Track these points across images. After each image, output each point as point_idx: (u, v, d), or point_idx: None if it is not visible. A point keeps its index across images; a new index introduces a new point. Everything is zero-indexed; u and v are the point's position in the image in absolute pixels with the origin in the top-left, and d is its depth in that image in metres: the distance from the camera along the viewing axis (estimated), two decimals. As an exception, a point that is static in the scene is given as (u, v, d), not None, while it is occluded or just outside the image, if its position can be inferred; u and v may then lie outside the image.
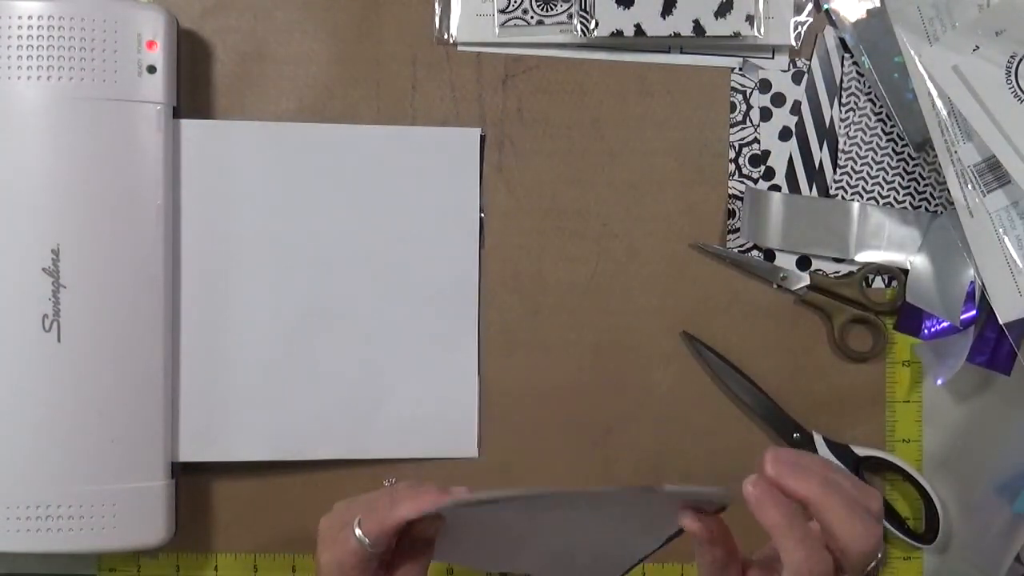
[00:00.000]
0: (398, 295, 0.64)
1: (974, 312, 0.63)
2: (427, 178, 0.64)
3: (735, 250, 0.65)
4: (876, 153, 0.66)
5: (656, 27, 0.63)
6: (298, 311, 0.63)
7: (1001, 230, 0.60)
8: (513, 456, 0.65)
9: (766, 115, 0.66)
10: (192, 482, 0.64)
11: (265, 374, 0.63)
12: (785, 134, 0.66)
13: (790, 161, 0.66)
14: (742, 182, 0.66)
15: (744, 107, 0.66)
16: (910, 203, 0.66)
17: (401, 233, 0.64)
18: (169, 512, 0.61)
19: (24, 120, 0.58)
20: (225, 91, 0.64)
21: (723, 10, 0.63)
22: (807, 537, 0.42)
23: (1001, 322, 0.61)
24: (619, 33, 0.63)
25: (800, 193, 0.66)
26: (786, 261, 0.65)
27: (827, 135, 0.66)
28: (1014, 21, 0.59)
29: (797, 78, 0.65)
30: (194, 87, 0.64)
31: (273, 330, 0.63)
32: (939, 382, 0.64)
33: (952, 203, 0.62)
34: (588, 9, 0.63)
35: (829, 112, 0.66)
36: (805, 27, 0.65)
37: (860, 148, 0.66)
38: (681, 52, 0.65)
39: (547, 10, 0.64)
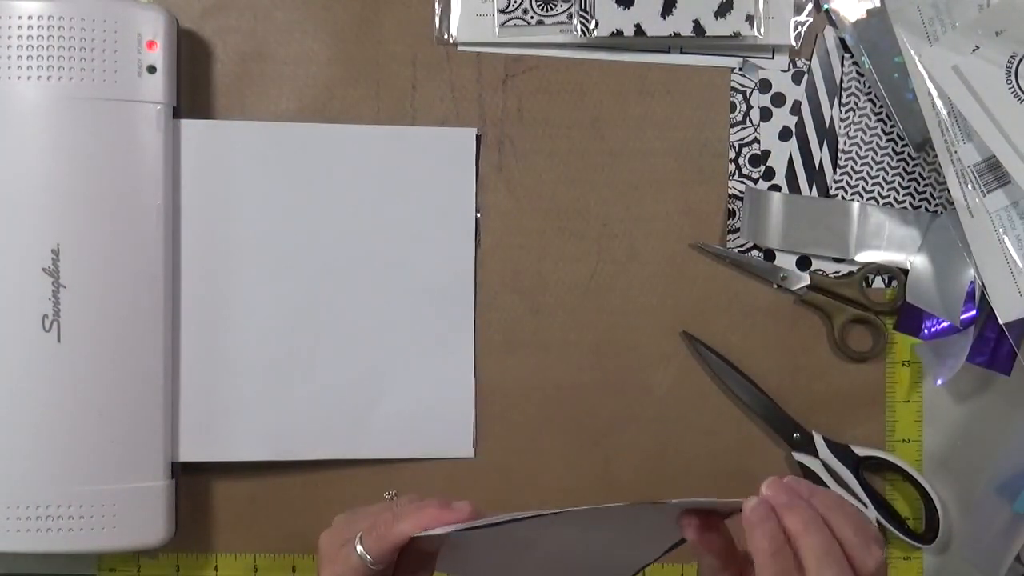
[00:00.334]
0: (395, 295, 0.64)
1: (974, 312, 0.63)
2: (424, 178, 0.64)
3: (735, 250, 0.65)
4: (876, 153, 0.66)
5: (656, 27, 0.63)
6: (297, 311, 0.63)
7: (1001, 230, 0.60)
8: (513, 456, 0.65)
9: (766, 115, 0.66)
10: (192, 482, 0.64)
11: (265, 374, 0.63)
12: (785, 134, 0.66)
13: (790, 161, 0.66)
14: (742, 182, 0.66)
15: (744, 107, 0.66)
16: (910, 203, 0.66)
17: (398, 233, 0.64)
18: (169, 512, 0.61)
19: (24, 120, 0.58)
20: (225, 91, 0.64)
21: (723, 10, 0.63)
22: (790, 570, 0.41)
23: (1001, 322, 0.61)
24: (619, 33, 0.63)
25: (800, 193, 0.66)
26: (786, 261, 0.65)
27: (827, 135, 0.66)
28: (1014, 21, 0.59)
29: (797, 78, 0.65)
30: (194, 87, 0.64)
31: (273, 330, 0.63)
32: (939, 382, 0.64)
33: (952, 203, 0.62)
34: (588, 9, 0.63)
35: (829, 112, 0.66)
36: (805, 27, 0.65)
37: (860, 148, 0.66)
38: (681, 52, 0.65)
39: (547, 10, 0.64)
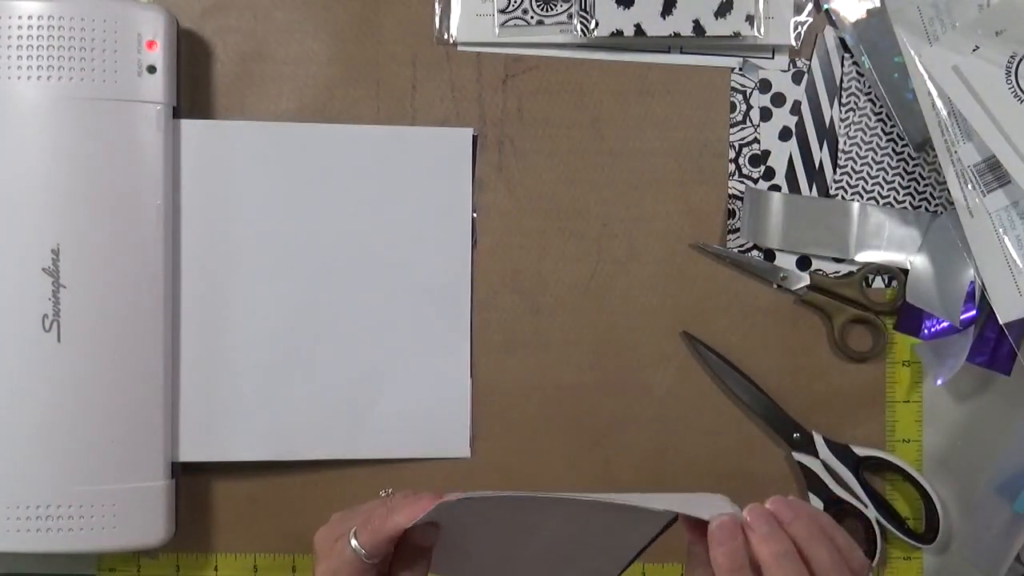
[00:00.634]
0: (393, 295, 0.64)
1: (974, 312, 0.63)
2: (421, 178, 0.64)
3: (735, 250, 0.65)
4: (876, 153, 0.66)
5: (656, 27, 0.63)
6: (297, 311, 0.63)
7: (1001, 230, 0.60)
8: (513, 456, 0.65)
9: (766, 115, 0.66)
10: (192, 482, 0.64)
11: (264, 374, 0.63)
12: (785, 134, 0.66)
13: (790, 161, 0.66)
14: (742, 182, 0.66)
15: (744, 107, 0.66)
16: (910, 203, 0.66)
17: (395, 233, 0.64)
18: (169, 512, 0.61)
19: (24, 120, 0.58)
20: (225, 91, 0.64)
21: (723, 10, 0.63)
22: None
23: (1001, 322, 0.61)
24: (619, 33, 0.63)
25: (800, 193, 0.66)
26: (786, 261, 0.65)
27: (827, 135, 0.66)
28: (1014, 21, 0.59)
29: (797, 78, 0.65)
30: (194, 87, 0.64)
31: (272, 330, 0.63)
32: (939, 382, 0.64)
33: (952, 203, 0.62)
34: (588, 9, 0.63)
35: (829, 112, 0.66)
36: (805, 27, 0.65)
37: (860, 148, 0.66)
38: (681, 52, 0.65)
39: (547, 10, 0.64)
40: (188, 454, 0.62)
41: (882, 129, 0.66)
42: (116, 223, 0.59)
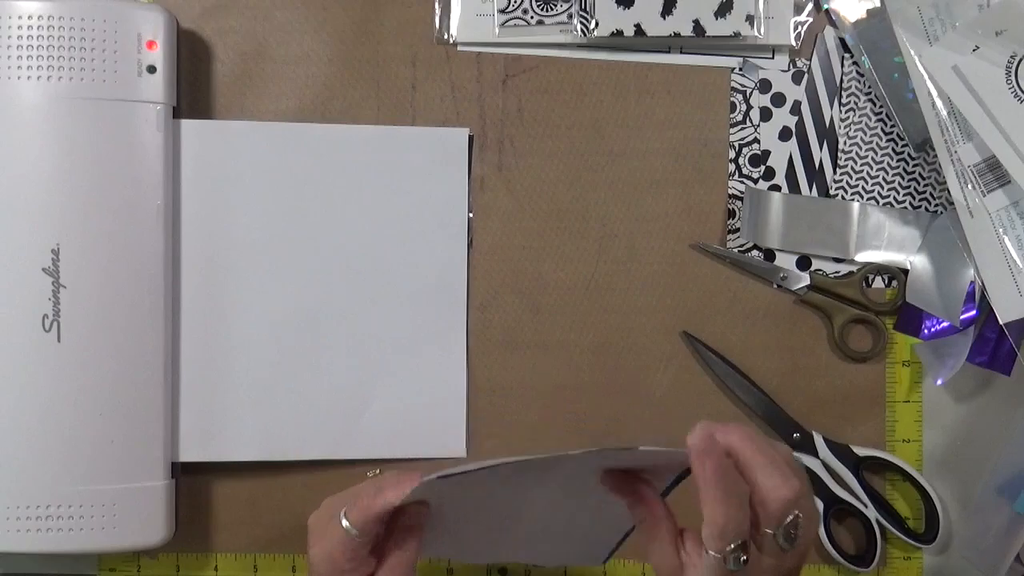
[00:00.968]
0: (391, 295, 0.64)
1: (974, 312, 0.63)
2: (417, 178, 0.64)
3: (735, 250, 0.65)
4: (876, 153, 0.66)
5: (656, 27, 0.63)
6: (297, 310, 0.63)
7: (1001, 230, 0.60)
8: (513, 456, 0.65)
9: (766, 115, 0.66)
10: (192, 482, 0.64)
11: (264, 374, 0.63)
12: (785, 134, 0.66)
13: (790, 161, 0.66)
14: (742, 182, 0.66)
15: (744, 107, 0.66)
16: (910, 203, 0.66)
17: (393, 232, 0.64)
18: (169, 512, 0.61)
19: (24, 120, 0.58)
20: (225, 91, 0.64)
21: (723, 10, 0.63)
22: (730, 496, 0.44)
23: (1001, 322, 0.61)
24: (619, 33, 0.63)
25: (800, 193, 0.66)
26: (786, 261, 0.65)
27: (827, 135, 0.66)
28: (1014, 21, 0.59)
29: (797, 78, 0.65)
30: (194, 87, 0.64)
31: (272, 330, 0.63)
32: (939, 382, 0.64)
33: (952, 203, 0.62)
34: (588, 9, 0.63)
35: (829, 112, 0.66)
36: (805, 27, 0.65)
37: (860, 148, 0.66)
38: (681, 52, 0.65)
39: (547, 10, 0.64)
40: (188, 454, 0.62)
41: (882, 129, 0.66)
42: (116, 223, 0.59)
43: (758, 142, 0.66)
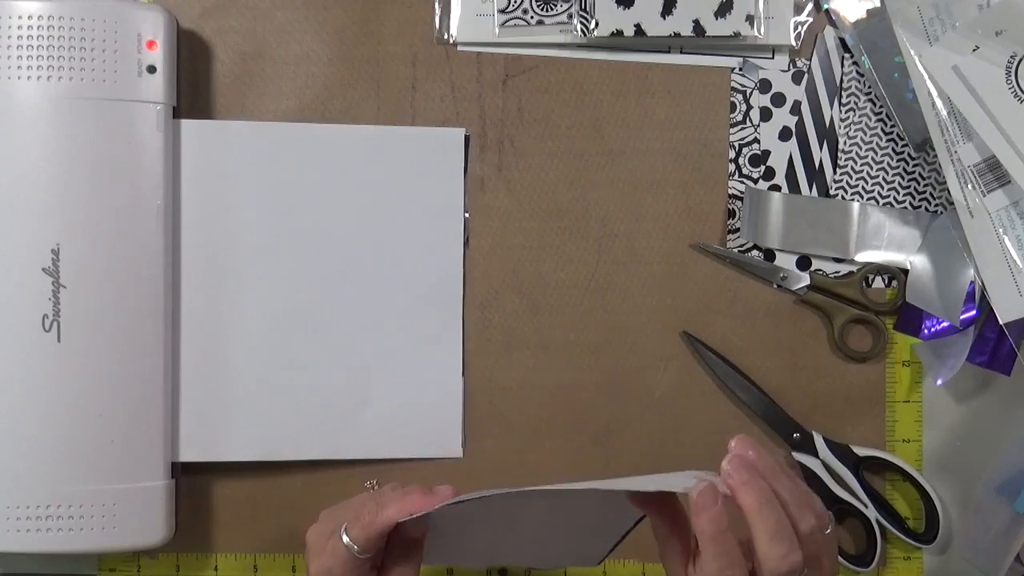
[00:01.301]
0: (389, 294, 0.64)
1: (974, 312, 0.63)
2: (414, 177, 0.64)
3: (735, 250, 0.65)
4: (876, 153, 0.66)
5: (656, 27, 0.63)
6: (297, 311, 0.63)
7: (1001, 230, 0.60)
8: (513, 456, 0.65)
9: (766, 115, 0.66)
10: (192, 482, 0.64)
11: (264, 374, 0.63)
12: (785, 134, 0.66)
13: (790, 161, 0.66)
14: (742, 182, 0.66)
15: (744, 107, 0.66)
16: (910, 203, 0.66)
17: (391, 232, 0.64)
18: (169, 512, 0.61)
19: (24, 120, 0.58)
20: (225, 91, 0.64)
21: (723, 10, 0.63)
22: (731, 551, 0.43)
23: (1001, 322, 0.61)
24: (619, 33, 0.63)
25: (800, 193, 0.66)
26: (786, 261, 0.65)
27: (827, 135, 0.66)
28: (1014, 21, 0.59)
29: (797, 78, 0.65)
30: (194, 87, 0.64)
31: (272, 329, 0.63)
32: (939, 382, 0.64)
33: (952, 203, 0.62)
34: (588, 9, 0.63)
35: (829, 112, 0.66)
36: (805, 27, 0.65)
37: (860, 148, 0.66)
38: (681, 52, 0.65)
39: (547, 10, 0.64)
40: (188, 454, 0.62)
41: (882, 129, 0.66)
42: (116, 223, 0.59)
43: (758, 142, 0.66)
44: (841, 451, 0.64)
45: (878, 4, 0.64)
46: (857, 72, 0.65)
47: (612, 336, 0.65)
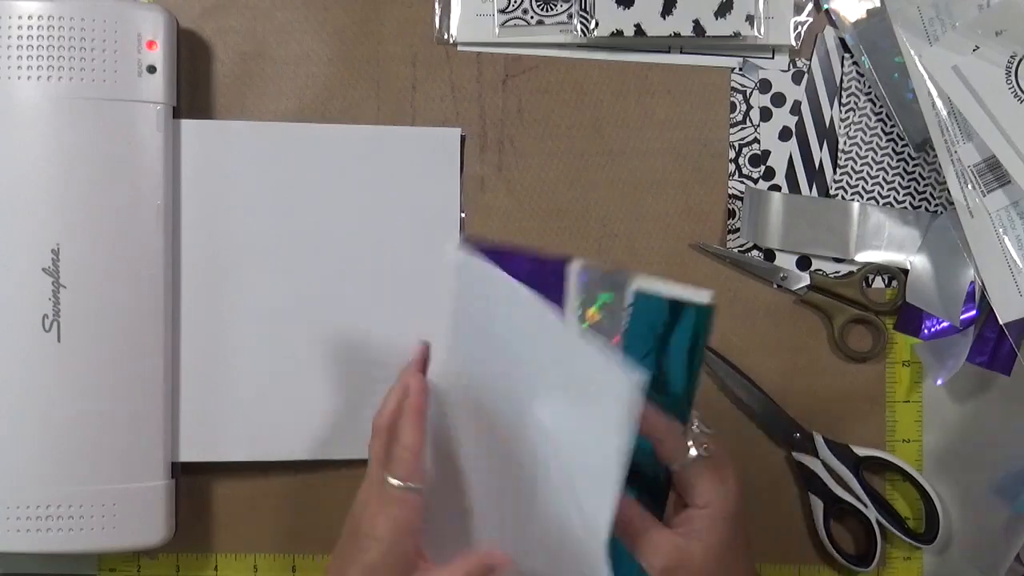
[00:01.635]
0: (386, 295, 0.64)
1: (974, 312, 0.63)
2: (411, 178, 0.64)
3: (735, 250, 0.65)
4: (876, 153, 0.66)
5: (656, 27, 0.63)
6: (297, 310, 0.63)
7: (1001, 230, 0.60)
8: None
9: (766, 115, 0.66)
10: (192, 482, 0.64)
11: (264, 374, 0.63)
12: (785, 134, 0.66)
13: (790, 161, 0.66)
14: (742, 182, 0.66)
15: (744, 107, 0.66)
16: (910, 203, 0.66)
17: (387, 233, 0.64)
18: (169, 512, 0.61)
19: (24, 120, 0.58)
20: (225, 91, 0.64)
21: (723, 10, 0.63)
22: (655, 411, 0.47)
23: (1001, 322, 0.61)
24: (619, 33, 0.63)
25: (800, 193, 0.66)
26: (786, 261, 0.65)
27: (827, 135, 0.66)
28: (1014, 21, 0.59)
29: (797, 78, 0.65)
30: (194, 87, 0.64)
31: (272, 329, 0.63)
32: (939, 382, 0.64)
33: (952, 203, 0.62)
34: (588, 9, 0.63)
35: (829, 112, 0.66)
36: (805, 27, 0.65)
37: (860, 148, 0.66)
38: (681, 52, 0.65)
39: (547, 10, 0.64)
40: (188, 454, 0.62)
41: (882, 129, 0.66)
42: (116, 223, 0.59)
43: (758, 142, 0.66)
44: (841, 451, 0.64)
45: (878, 4, 0.64)
46: (857, 72, 0.65)
47: (612, 336, 0.65)
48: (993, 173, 0.60)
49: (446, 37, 0.65)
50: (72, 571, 0.65)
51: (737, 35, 0.63)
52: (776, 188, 0.66)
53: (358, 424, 0.64)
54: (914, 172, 0.66)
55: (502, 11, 0.64)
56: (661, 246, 0.65)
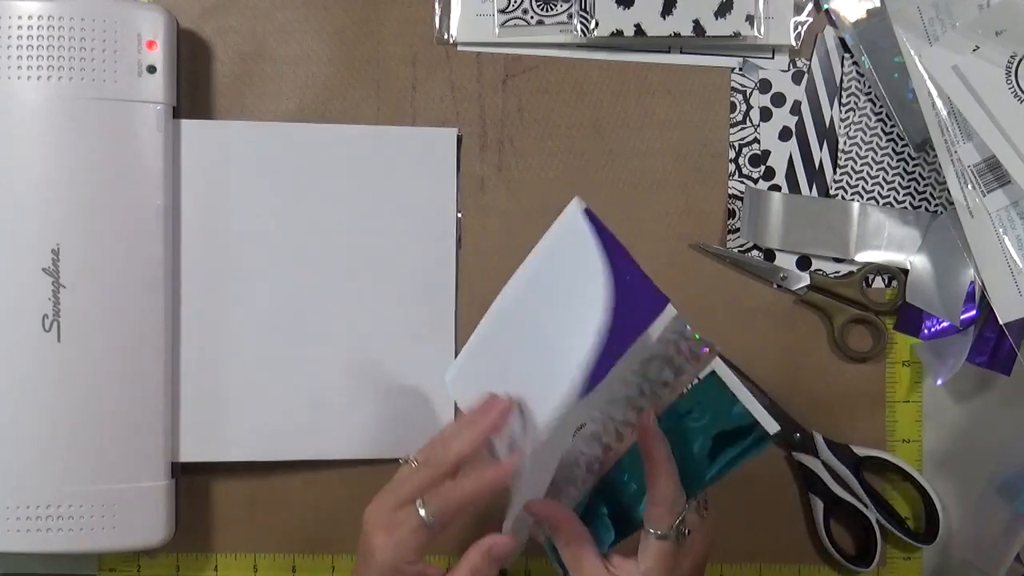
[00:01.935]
0: (384, 295, 0.64)
1: (974, 312, 0.63)
2: (407, 178, 0.64)
3: (735, 250, 0.65)
4: (876, 153, 0.66)
5: (656, 27, 0.63)
6: (297, 310, 0.63)
7: (1001, 230, 0.60)
8: (513, 456, 0.65)
9: (766, 115, 0.66)
10: (192, 482, 0.64)
11: (264, 374, 0.63)
12: (785, 134, 0.66)
13: (790, 161, 0.66)
14: (742, 182, 0.66)
15: (744, 107, 0.66)
16: (910, 203, 0.66)
17: (385, 233, 0.64)
18: (169, 512, 0.61)
19: (24, 120, 0.58)
20: (225, 91, 0.64)
21: (723, 10, 0.63)
22: (675, 475, 0.49)
23: (1001, 322, 0.61)
24: (619, 33, 0.63)
25: (800, 193, 0.66)
26: (786, 261, 0.65)
27: (827, 135, 0.66)
28: (1014, 21, 0.59)
29: (797, 78, 0.65)
30: (194, 87, 0.64)
31: (272, 329, 0.63)
32: (939, 382, 0.64)
33: (952, 203, 0.62)
34: (588, 9, 0.63)
35: (829, 112, 0.66)
36: (805, 27, 0.65)
37: (860, 148, 0.66)
38: (681, 52, 0.65)
39: (547, 10, 0.64)
40: (188, 454, 0.62)
41: (882, 129, 0.66)
42: (116, 223, 0.59)
43: (758, 142, 0.66)
44: (841, 451, 0.64)
45: (878, 4, 0.64)
46: (857, 72, 0.65)
47: (612, 336, 0.65)
48: (993, 173, 0.60)
49: (446, 37, 0.65)
50: (72, 571, 0.65)
51: (737, 35, 0.63)
52: (776, 188, 0.66)
53: (356, 424, 0.64)
54: (914, 172, 0.66)
55: (502, 11, 0.64)
56: (661, 246, 0.65)
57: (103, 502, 0.59)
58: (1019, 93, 0.59)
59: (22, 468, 0.59)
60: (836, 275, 0.65)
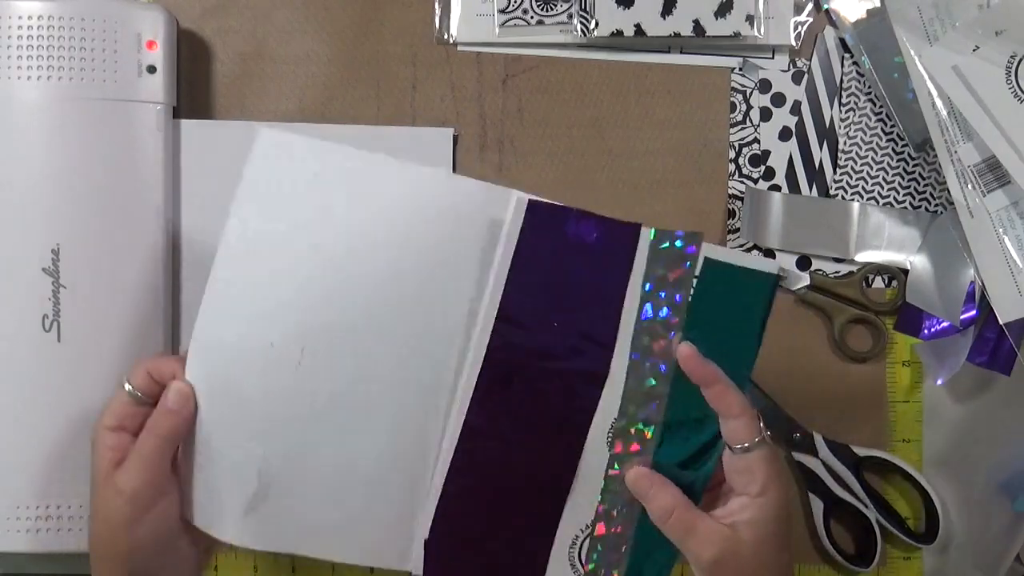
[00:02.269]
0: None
1: (974, 312, 0.63)
2: None
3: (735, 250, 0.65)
4: (876, 153, 0.66)
5: (656, 27, 0.63)
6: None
7: (1001, 230, 0.60)
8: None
9: (766, 115, 0.66)
10: (192, 482, 0.64)
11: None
12: (785, 134, 0.66)
13: (790, 161, 0.66)
14: (742, 182, 0.66)
15: (744, 107, 0.66)
16: (910, 203, 0.66)
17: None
18: (169, 512, 0.61)
19: (24, 120, 0.58)
20: (225, 91, 0.64)
21: (723, 10, 0.63)
22: (733, 384, 0.49)
23: (1001, 322, 0.61)
24: (619, 33, 0.63)
25: (800, 193, 0.66)
26: (786, 261, 0.65)
27: (827, 135, 0.66)
28: (1014, 21, 0.59)
29: (797, 78, 0.65)
30: (194, 87, 0.64)
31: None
32: (939, 382, 0.64)
33: (952, 203, 0.62)
34: (588, 9, 0.63)
35: (829, 112, 0.66)
36: (805, 27, 0.65)
37: (860, 148, 0.66)
38: (681, 52, 0.65)
39: (547, 10, 0.64)
40: (188, 454, 0.62)
41: (882, 129, 0.66)
42: (116, 223, 0.59)
43: (758, 142, 0.66)
44: (841, 451, 0.64)
45: (878, 4, 0.64)
46: (857, 72, 0.65)
47: (612, 336, 0.65)
48: (993, 173, 0.60)
49: (446, 37, 0.65)
50: (72, 571, 0.65)
51: (737, 35, 0.63)
52: (776, 188, 0.66)
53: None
54: (914, 172, 0.66)
55: (502, 11, 0.64)
56: (661, 246, 0.65)
57: (103, 502, 0.59)
58: (1019, 93, 0.59)
59: (22, 468, 0.58)
60: (836, 275, 0.65)
